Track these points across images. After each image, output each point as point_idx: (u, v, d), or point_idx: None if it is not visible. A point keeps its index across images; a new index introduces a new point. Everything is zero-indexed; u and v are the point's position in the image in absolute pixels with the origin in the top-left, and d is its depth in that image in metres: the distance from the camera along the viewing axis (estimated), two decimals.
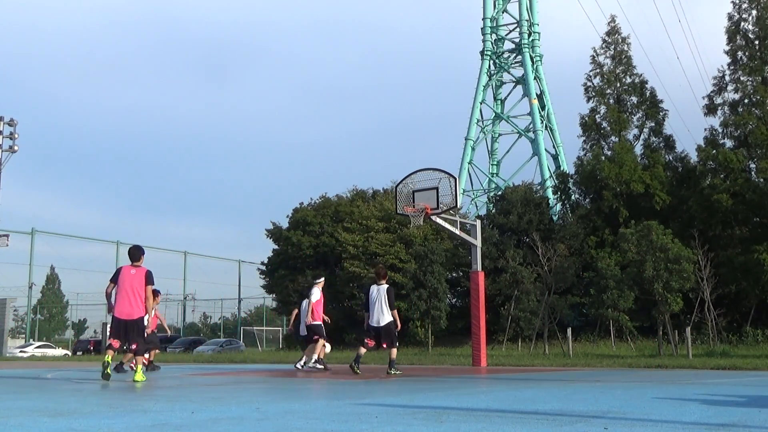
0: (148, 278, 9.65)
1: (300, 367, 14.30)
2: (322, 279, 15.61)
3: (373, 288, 12.20)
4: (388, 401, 6.90)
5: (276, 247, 40.83)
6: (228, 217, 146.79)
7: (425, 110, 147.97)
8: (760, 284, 28.40)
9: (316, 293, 14.78)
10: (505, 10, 57.07)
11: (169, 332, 15.81)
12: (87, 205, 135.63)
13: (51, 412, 5.83)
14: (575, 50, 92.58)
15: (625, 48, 36.78)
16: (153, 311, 12.13)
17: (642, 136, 36.41)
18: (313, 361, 14.53)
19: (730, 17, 32.75)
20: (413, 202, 16.12)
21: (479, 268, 17.39)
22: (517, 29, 56.21)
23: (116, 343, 9.72)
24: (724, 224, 30.57)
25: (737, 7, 32.62)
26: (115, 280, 9.66)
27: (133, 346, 9.76)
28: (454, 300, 36.41)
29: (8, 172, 58.73)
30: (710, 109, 32.94)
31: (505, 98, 58.10)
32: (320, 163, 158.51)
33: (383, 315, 12.01)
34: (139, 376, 9.76)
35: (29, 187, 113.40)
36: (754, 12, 32.36)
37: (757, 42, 32.36)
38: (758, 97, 31.06)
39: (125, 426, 4.79)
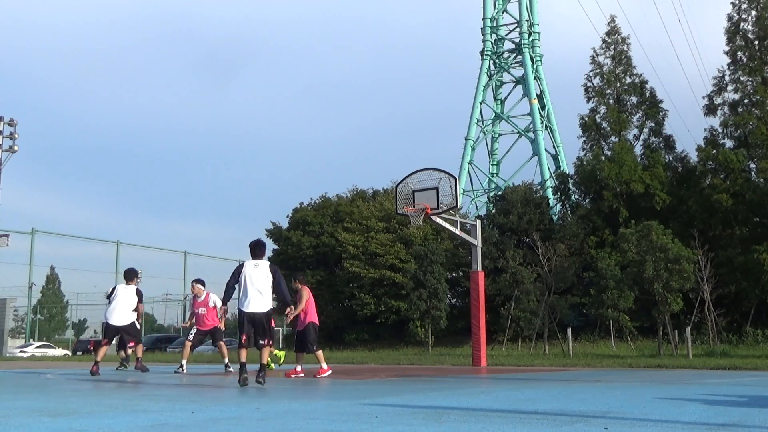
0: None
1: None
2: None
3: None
4: (388, 401, 6.90)
5: (276, 247, 40.83)
6: (228, 217, 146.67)
7: (425, 110, 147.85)
8: (760, 284, 28.38)
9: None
10: (505, 10, 57.03)
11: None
12: (87, 205, 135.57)
13: (51, 412, 5.83)
14: (575, 50, 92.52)
15: (625, 48, 36.78)
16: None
17: (642, 136, 36.43)
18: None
19: (730, 18, 32.75)
20: (413, 202, 16.13)
21: (479, 268, 17.39)
22: (517, 29, 56.17)
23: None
24: (724, 224, 30.56)
25: (737, 7, 32.63)
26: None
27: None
28: (454, 300, 36.40)
29: (8, 172, 58.65)
30: (710, 109, 32.93)
31: (505, 98, 58.08)
32: (320, 163, 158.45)
33: None
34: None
35: (29, 187, 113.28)
36: (753, 12, 32.36)
37: (756, 42, 32.35)
38: (758, 97, 31.06)
39: (125, 426, 4.80)
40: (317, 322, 12.10)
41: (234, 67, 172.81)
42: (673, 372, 13.56)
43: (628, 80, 36.46)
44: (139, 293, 13.15)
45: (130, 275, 13.14)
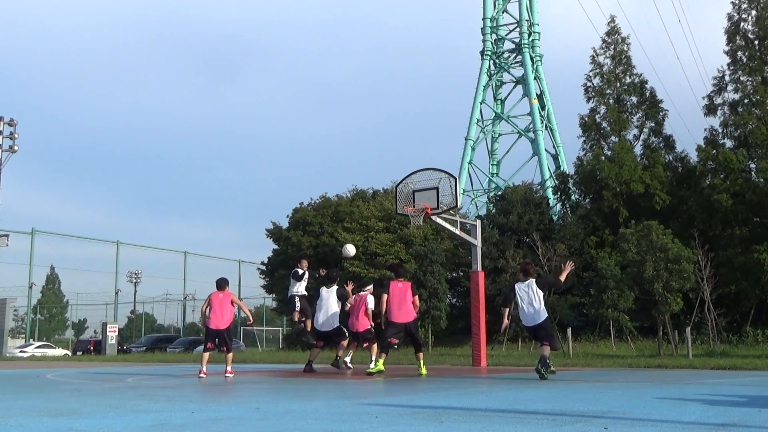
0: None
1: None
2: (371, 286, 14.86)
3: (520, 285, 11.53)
4: (388, 401, 6.90)
5: (276, 247, 40.79)
6: (228, 217, 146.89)
7: (425, 110, 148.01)
8: (760, 284, 28.37)
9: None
10: (505, 10, 57.02)
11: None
12: (87, 205, 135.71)
13: (51, 412, 5.83)
14: (575, 50, 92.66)
15: (625, 48, 36.77)
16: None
17: (642, 136, 36.41)
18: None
19: (730, 17, 32.73)
20: (413, 202, 16.11)
21: (479, 268, 17.38)
22: (517, 29, 56.15)
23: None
24: (724, 224, 30.54)
25: (737, 7, 32.60)
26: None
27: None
28: (454, 300, 36.37)
29: (8, 172, 58.67)
30: (710, 109, 32.91)
31: (505, 98, 58.06)
32: (320, 163, 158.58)
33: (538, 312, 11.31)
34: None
35: (29, 187, 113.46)
36: (753, 12, 32.33)
37: (756, 42, 32.34)
38: (758, 97, 31.04)
39: (125, 426, 4.80)
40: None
41: (234, 68, 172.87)
42: (673, 372, 13.55)
43: (628, 80, 36.45)
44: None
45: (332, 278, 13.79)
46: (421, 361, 12.50)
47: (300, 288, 14.59)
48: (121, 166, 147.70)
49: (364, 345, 14.10)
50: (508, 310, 11.54)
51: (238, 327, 50.42)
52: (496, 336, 27.11)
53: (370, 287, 14.29)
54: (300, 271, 14.58)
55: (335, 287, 13.53)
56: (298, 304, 14.50)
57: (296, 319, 14.67)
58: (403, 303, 12.11)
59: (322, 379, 11.39)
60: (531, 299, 11.27)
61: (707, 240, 27.64)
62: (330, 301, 13.42)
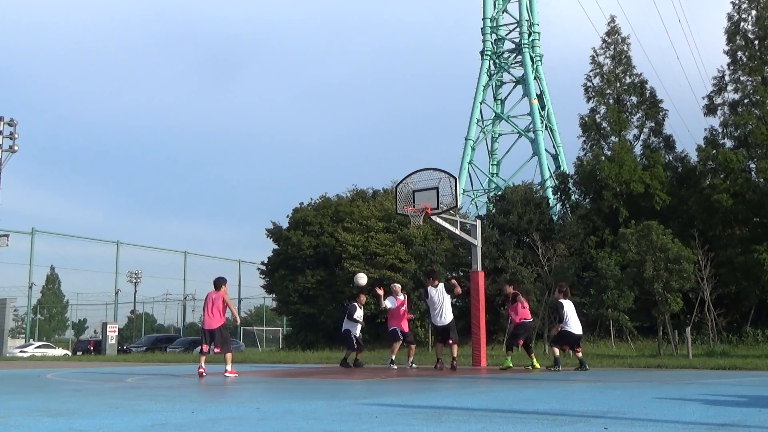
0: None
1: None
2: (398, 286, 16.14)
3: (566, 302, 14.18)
4: (388, 401, 6.90)
5: (276, 247, 40.80)
6: (228, 217, 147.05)
7: (425, 110, 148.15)
8: (760, 284, 28.35)
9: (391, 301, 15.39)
10: (505, 10, 57.03)
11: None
12: (87, 205, 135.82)
13: (51, 412, 5.83)
14: (575, 50, 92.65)
15: (625, 48, 36.73)
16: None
17: (642, 136, 36.36)
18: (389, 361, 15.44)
19: (730, 17, 32.70)
20: (413, 202, 16.12)
21: (479, 268, 17.39)
22: (517, 29, 56.17)
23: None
24: (724, 224, 30.51)
25: (737, 7, 32.58)
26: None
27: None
28: (454, 300, 36.31)
29: (8, 172, 58.72)
30: (710, 109, 32.88)
31: (505, 98, 58.07)
32: (320, 163, 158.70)
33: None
34: None
35: (29, 187, 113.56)
36: (753, 12, 32.30)
37: (756, 42, 32.32)
38: (758, 97, 31.01)
39: (125, 426, 4.80)
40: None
41: (234, 68, 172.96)
42: (673, 372, 13.55)
43: (628, 80, 36.42)
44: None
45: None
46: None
47: (356, 328, 15.38)
48: (121, 166, 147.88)
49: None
50: (560, 325, 14.22)
51: (238, 327, 50.47)
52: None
53: (398, 286, 15.76)
54: (356, 312, 15.83)
55: (441, 285, 14.80)
56: (354, 340, 15.67)
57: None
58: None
59: (322, 379, 11.39)
60: (576, 315, 14.28)
61: (707, 240, 27.62)
62: (437, 298, 14.62)
